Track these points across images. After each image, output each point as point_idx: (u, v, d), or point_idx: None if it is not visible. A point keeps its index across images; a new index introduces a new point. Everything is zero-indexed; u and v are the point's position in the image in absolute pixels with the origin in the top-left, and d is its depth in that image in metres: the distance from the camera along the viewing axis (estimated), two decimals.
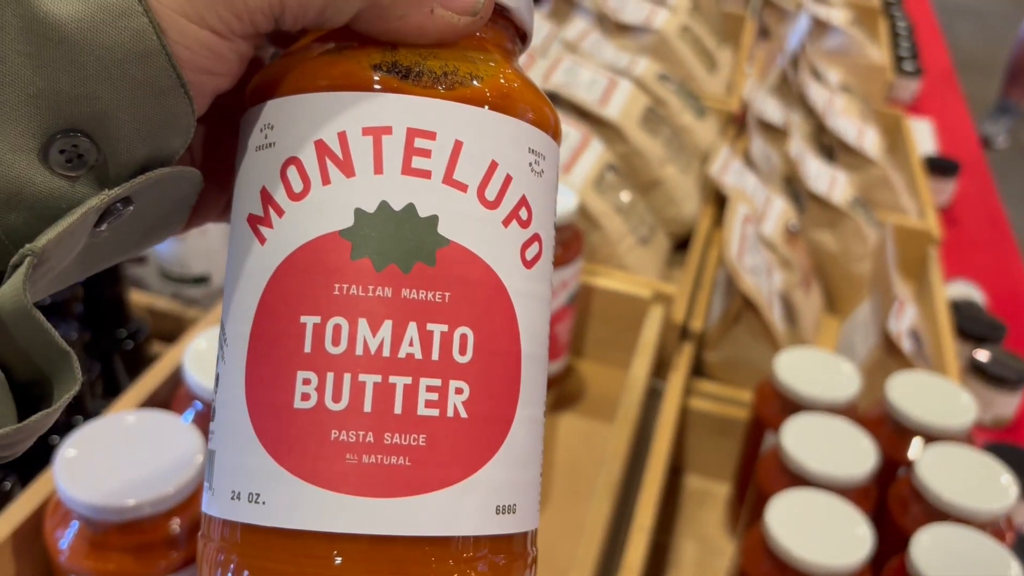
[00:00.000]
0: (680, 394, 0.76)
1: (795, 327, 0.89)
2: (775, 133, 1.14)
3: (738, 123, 1.20)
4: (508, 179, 0.26)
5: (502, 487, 0.25)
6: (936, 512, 0.58)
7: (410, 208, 0.24)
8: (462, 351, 0.25)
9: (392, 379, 0.24)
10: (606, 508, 0.61)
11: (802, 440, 0.61)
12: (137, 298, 0.78)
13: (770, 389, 0.71)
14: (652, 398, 0.78)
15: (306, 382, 0.24)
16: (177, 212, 0.27)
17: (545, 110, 0.28)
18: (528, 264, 0.26)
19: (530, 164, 0.26)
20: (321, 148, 0.25)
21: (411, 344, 0.24)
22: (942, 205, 1.38)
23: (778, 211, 0.99)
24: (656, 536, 0.69)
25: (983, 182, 1.52)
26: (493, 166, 0.25)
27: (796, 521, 0.55)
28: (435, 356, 0.24)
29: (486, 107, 0.25)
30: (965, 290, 1.14)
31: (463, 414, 0.24)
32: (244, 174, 0.26)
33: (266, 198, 0.25)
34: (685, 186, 1.04)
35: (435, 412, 0.24)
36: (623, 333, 0.85)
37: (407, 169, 0.25)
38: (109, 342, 0.71)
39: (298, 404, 0.24)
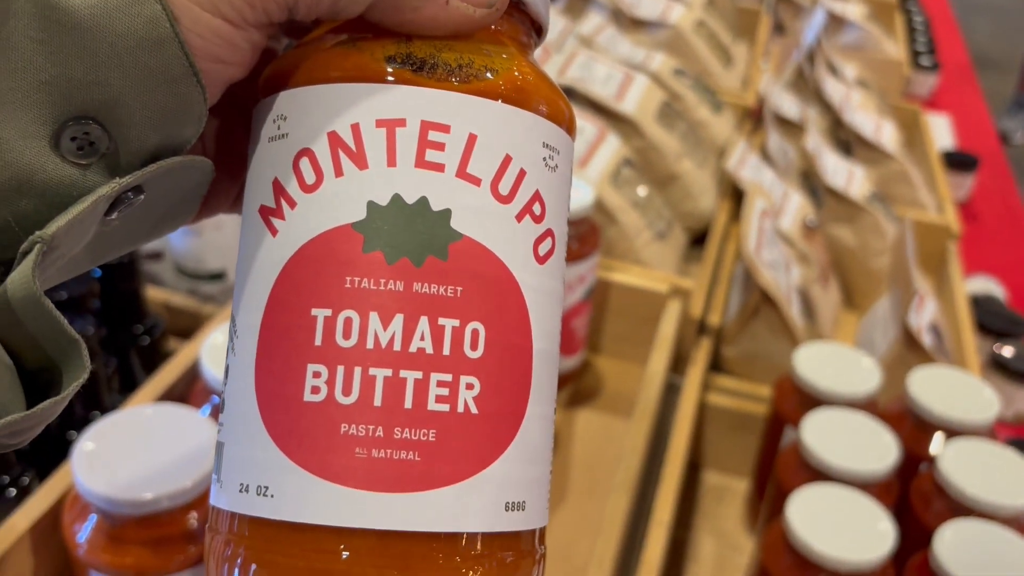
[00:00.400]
0: (698, 389, 0.75)
1: (813, 322, 0.89)
2: (792, 128, 1.13)
3: (754, 118, 1.20)
4: (522, 173, 0.26)
5: (512, 484, 0.25)
6: (959, 507, 0.57)
7: (423, 201, 0.24)
8: (473, 346, 0.24)
9: (403, 373, 0.24)
10: (624, 504, 0.60)
11: (822, 435, 0.61)
12: (153, 294, 0.79)
13: (789, 384, 0.70)
14: (670, 393, 0.78)
15: (316, 375, 0.24)
16: (188, 202, 0.27)
17: (559, 104, 0.27)
18: (541, 259, 0.26)
19: (544, 158, 0.26)
20: (334, 140, 0.25)
21: (422, 338, 0.24)
22: (961, 200, 1.37)
23: (795, 206, 0.98)
24: (675, 532, 0.68)
25: (1002, 177, 1.51)
26: (507, 160, 0.25)
27: (817, 516, 0.54)
28: (446, 351, 0.24)
29: (500, 100, 0.25)
30: (985, 285, 1.13)
31: (473, 410, 0.24)
32: (256, 165, 0.26)
33: (278, 189, 0.25)
34: (702, 181, 1.03)
35: (445, 407, 0.24)
36: (640, 328, 0.85)
37: (420, 162, 0.24)
38: (125, 338, 0.71)
39: (308, 397, 0.24)
